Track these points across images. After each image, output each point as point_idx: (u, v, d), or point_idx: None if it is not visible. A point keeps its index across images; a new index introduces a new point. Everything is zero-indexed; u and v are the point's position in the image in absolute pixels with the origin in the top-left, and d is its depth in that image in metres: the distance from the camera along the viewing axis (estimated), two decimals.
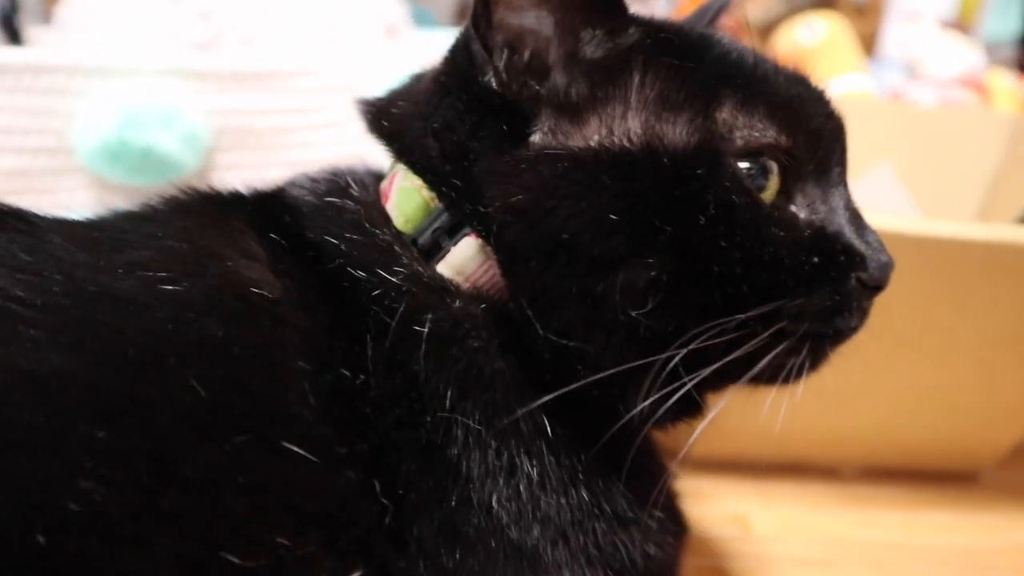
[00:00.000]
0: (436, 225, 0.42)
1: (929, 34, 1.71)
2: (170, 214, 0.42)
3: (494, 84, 0.41)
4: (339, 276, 0.40)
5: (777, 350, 0.40)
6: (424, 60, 1.07)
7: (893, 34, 2.15)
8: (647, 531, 0.42)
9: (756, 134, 0.40)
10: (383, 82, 0.94)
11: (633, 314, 0.38)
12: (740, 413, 0.67)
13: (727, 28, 0.53)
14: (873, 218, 0.54)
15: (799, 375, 0.43)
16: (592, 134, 0.40)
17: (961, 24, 2.20)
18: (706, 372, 0.39)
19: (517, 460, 0.38)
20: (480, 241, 0.41)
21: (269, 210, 0.44)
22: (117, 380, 0.32)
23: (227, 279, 0.37)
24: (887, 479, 0.73)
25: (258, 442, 0.33)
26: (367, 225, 0.42)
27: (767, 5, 2.68)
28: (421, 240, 0.43)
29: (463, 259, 0.42)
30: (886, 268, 0.43)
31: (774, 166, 0.41)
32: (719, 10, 0.52)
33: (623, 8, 0.42)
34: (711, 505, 0.69)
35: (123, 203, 0.79)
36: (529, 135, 0.41)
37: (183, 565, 0.30)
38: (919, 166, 1.11)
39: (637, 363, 0.39)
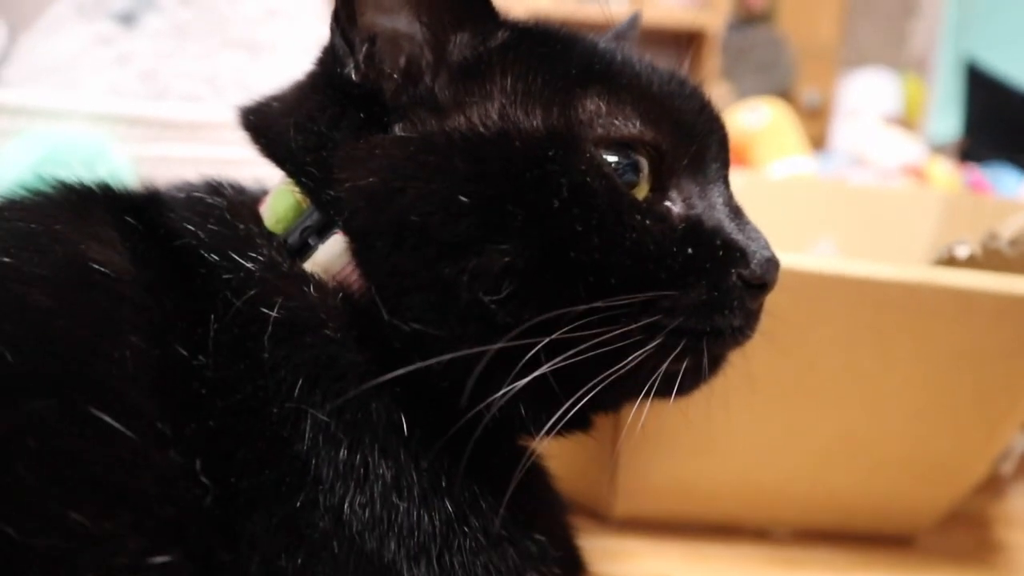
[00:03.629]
0: (306, 224, 0.41)
1: (874, 129, 1.77)
2: (27, 201, 0.40)
3: (353, 76, 0.41)
4: (192, 260, 0.39)
5: (649, 346, 0.39)
6: None
7: (841, 131, 2.23)
8: (525, 555, 0.39)
9: (618, 123, 0.40)
10: None
11: (486, 299, 0.37)
12: (665, 469, 0.65)
13: None
14: (790, 257, 0.54)
15: (687, 383, 0.41)
16: (450, 122, 0.40)
17: (907, 123, 2.29)
18: (563, 361, 0.37)
19: (370, 460, 0.36)
20: (348, 239, 0.40)
21: (133, 201, 0.42)
22: None
23: (69, 257, 0.36)
24: (820, 542, 0.70)
25: (61, 408, 0.31)
26: (229, 217, 0.41)
27: (719, 97, 2.78)
28: (290, 240, 0.41)
29: (329, 257, 0.41)
30: (770, 265, 0.41)
31: (644, 162, 0.40)
32: (624, 31, 0.53)
33: (492, 12, 0.43)
34: (635, 566, 0.65)
35: None
36: (388, 125, 0.41)
37: None
38: (859, 242, 1.12)
39: (486, 348, 0.37)
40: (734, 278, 0.41)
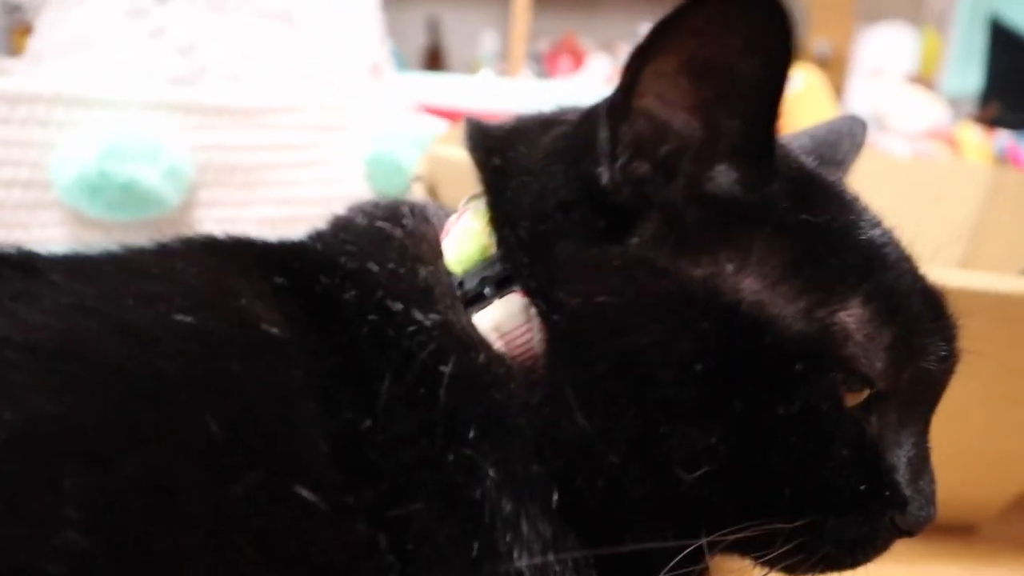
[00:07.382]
0: (486, 273, 0.40)
1: (894, 88, 1.75)
2: (188, 251, 0.39)
3: (604, 179, 0.38)
4: (361, 313, 0.38)
5: (782, 549, 0.39)
6: (406, 102, 1.05)
7: (858, 88, 2.21)
8: None
9: (868, 356, 0.38)
10: (367, 121, 0.93)
11: (676, 469, 0.36)
12: None
13: None
14: None
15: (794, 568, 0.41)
16: (701, 270, 0.37)
17: (923, 79, 2.27)
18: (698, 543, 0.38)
19: (530, 516, 0.36)
20: (526, 301, 0.39)
21: (281, 255, 0.41)
22: (117, 418, 0.29)
23: (242, 317, 0.35)
24: None
25: (271, 485, 0.30)
26: (408, 257, 0.40)
27: None
28: (468, 285, 0.40)
29: (504, 315, 0.39)
30: (924, 522, 0.41)
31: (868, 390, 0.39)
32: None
33: (771, 160, 0.39)
34: None
35: (99, 239, 0.76)
36: (628, 236, 0.38)
37: None
38: (895, 217, 1.12)
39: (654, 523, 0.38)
40: (887, 519, 0.40)
